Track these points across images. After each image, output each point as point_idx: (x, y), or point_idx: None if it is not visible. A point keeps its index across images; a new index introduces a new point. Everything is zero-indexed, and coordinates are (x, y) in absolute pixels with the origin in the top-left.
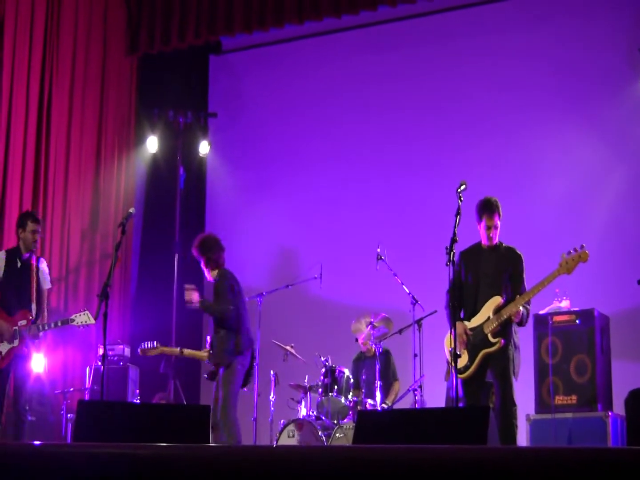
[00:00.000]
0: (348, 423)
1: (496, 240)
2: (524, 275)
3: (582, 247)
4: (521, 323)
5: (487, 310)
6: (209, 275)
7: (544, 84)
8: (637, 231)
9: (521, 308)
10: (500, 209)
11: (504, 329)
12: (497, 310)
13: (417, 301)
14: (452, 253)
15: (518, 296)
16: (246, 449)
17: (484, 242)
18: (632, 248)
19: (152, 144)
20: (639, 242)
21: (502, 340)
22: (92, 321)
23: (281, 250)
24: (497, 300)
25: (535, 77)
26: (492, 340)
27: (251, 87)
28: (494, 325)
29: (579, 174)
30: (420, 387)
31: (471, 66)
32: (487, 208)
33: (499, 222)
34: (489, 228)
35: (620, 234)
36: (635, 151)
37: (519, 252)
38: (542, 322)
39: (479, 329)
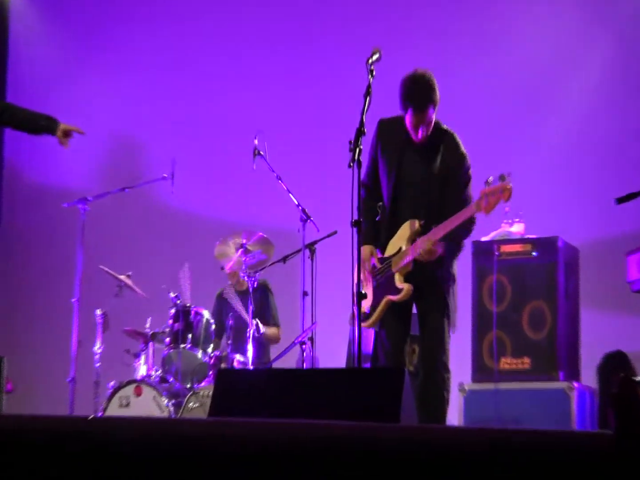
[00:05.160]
0: (206, 387)
1: (427, 133)
2: (470, 185)
3: (502, 177)
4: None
5: (401, 237)
6: None
7: None
8: (620, 133)
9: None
10: (437, 91)
11: (440, 258)
12: (413, 240)
13: (309, 217)
14: (357, 150)
15: (434, 227)
16: (53, 420)
17: (412, 136)
18: (611, 155)
19: None
20: (620, 147)
21: (411, 287)
22: None
23: (116, 141)
24: (413, 225)
25: None
26: (397, 284)
27: None
28: (406, 263)
29: (549, 51)
30: (310, 338)
31: None
32: (414, 98)
33: (433, 116)
34: (416, 126)
35: (598, 136)
36: (622, 28)
37: (463, 150)
38: (484, 253)
39: (389, 262)
